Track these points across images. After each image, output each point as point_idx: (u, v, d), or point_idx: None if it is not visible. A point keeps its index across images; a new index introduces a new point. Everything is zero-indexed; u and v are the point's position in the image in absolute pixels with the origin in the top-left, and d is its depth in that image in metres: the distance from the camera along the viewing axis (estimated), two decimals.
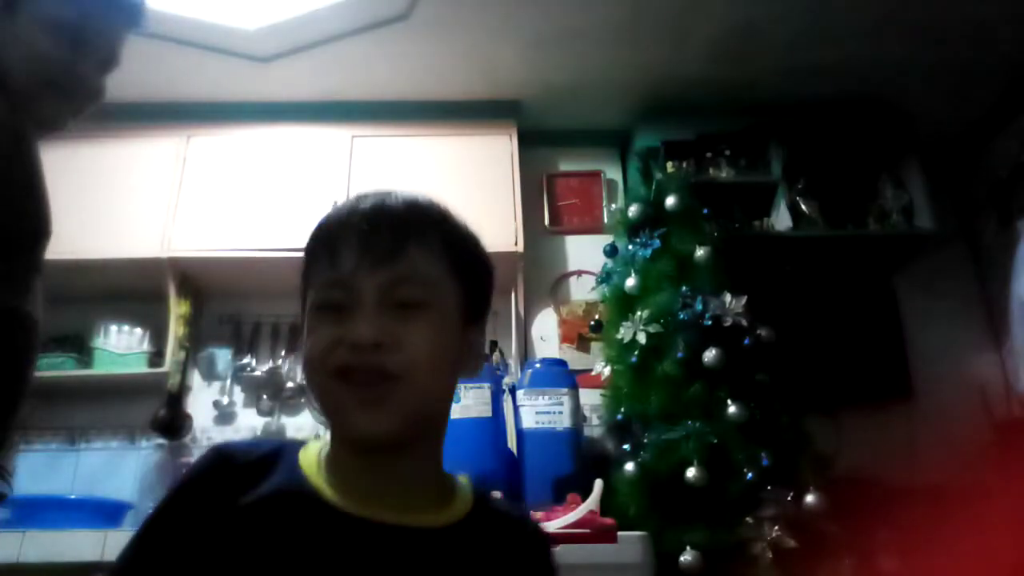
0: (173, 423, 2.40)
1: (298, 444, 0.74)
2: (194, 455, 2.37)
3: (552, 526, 1.69)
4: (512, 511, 0.80)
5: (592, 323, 2.54)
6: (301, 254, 0.75)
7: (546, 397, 2.15)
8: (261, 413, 2.53)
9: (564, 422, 2.13)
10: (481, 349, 0.79)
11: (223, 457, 0.70)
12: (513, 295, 2.56)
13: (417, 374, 0.67)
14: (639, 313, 2.10)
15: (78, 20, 1.24)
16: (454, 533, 0.70)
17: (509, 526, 0.77)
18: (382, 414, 0.66)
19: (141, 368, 2.41)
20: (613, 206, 2.75)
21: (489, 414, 2.09)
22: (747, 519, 1.77)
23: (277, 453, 0.71)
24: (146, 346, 2.45)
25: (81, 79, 1.32)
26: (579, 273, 2.74)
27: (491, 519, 0.75)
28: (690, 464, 1.83)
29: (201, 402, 2.52)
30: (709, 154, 2.63)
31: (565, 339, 2.65)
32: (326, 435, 0.73)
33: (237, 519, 0.64)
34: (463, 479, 0.78)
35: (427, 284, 0.70)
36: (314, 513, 0.66)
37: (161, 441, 2.42)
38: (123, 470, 2.42)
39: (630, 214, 2.30)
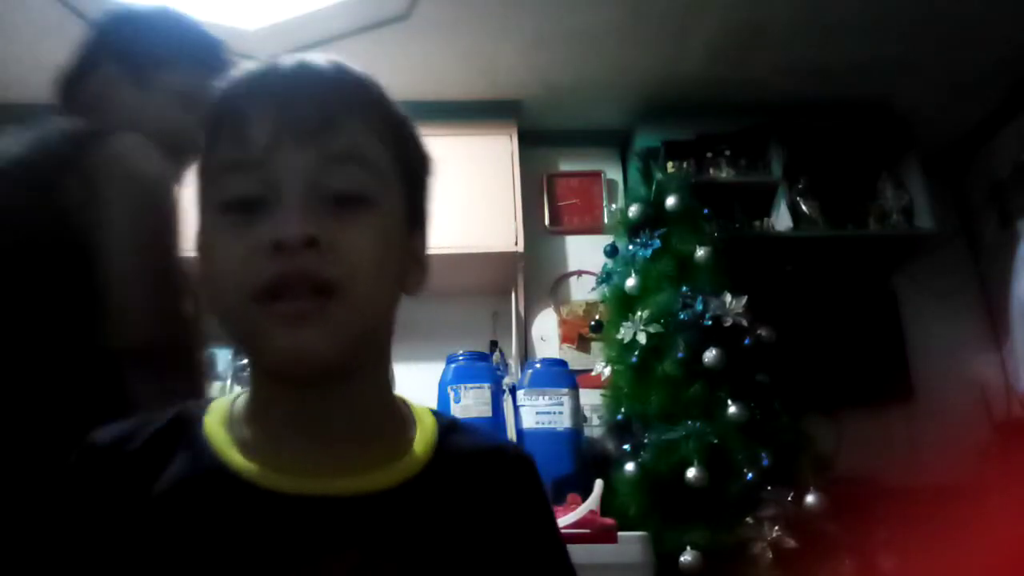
0: None
1: (199, 409, 0.58)
2: None
3: None
4: (485, 440, 0.65)
5: (592, 323, 2.54)
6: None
7: (546, 397, 2.15)
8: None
9: (564, 422, 2.13)
10: (426, 260, 0.64)
11: (96, 448, 0.55)
12: (513, 295, 2.56)
13: (359, 286, 0.51)
14: (639, 313, 2.10)
15: (202, 90, 1.25)
16: (414, 491, 0.56)
17: (484, 460, 0.62)
18: (316, 333, 0.50)
19: None
20: (613, 206, 2.75)
21: (489, 414, 2.09)
22: (747, 519, 1.77)
23: (172, 428, 0.56)
24: None
25: (195, 140, 1.35)
26: (579, 273, 2.74)
27: (461, 457, 0.60)
28: (690, 464, 1.83)
29: None
30: (709, 154, 2.63)
31: (565, 339, 2.65)
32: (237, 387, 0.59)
33: (139, 520, 0.52)
34: (422, 409, 0.63)
35: (372, 170, 0.55)
36: (230, 500, 0.52)
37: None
38: None
39: (630, 214, 2.30)
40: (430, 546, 0.54)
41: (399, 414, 0.62)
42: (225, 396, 0.60)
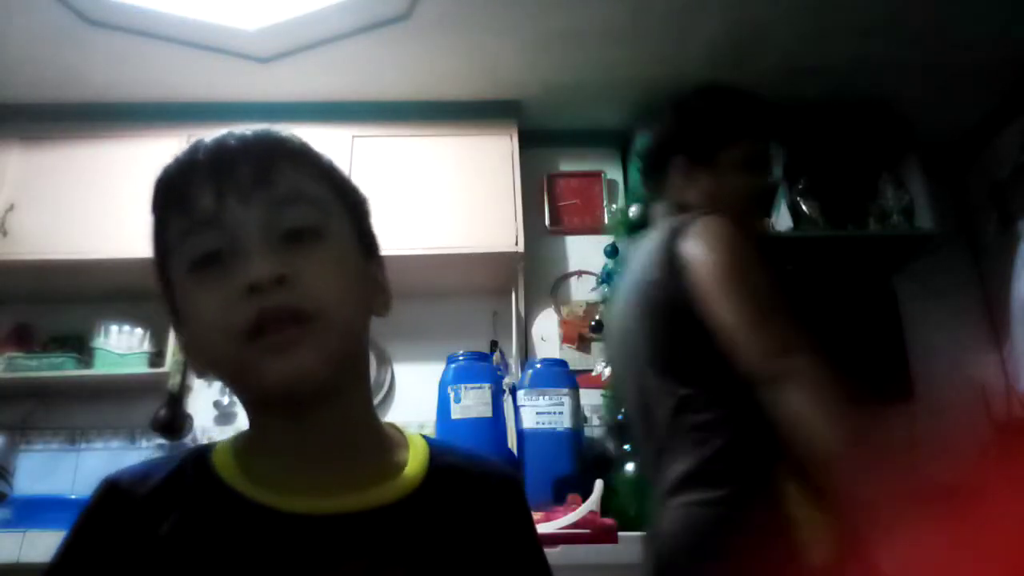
0: (173, 423, 2.40)
1: (205, 448, 0.64)
2: None
3: (552, 527, 1.69)
4: (474, 462, 0.69)
5: (593, 323, 2.54)
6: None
7: (546, 397, 2.15)
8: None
9: (564, 422, 2.13)
10: (387, 284, 0.69)
11: (116, 490, 0.59)
12: (513, 295, 2.56)
13: (330, 310, 0.57)
14: None
15: (764, 150, 1.48)
16: (411, 506, 0.60)
17: (473, 481, 0.66)
18: (304, 356, 0.55)
19: (141, 368, 2.41)
20: (614, 206, 2.75)
21: (489, 414, 2.09)
22: None
23: (184, 466, 0.61)
24: (147, 346, 2.45)
25: (765, 194, 1.75)
26: (580, 273, 2.74)
27: (452, 477, 0.65)
28: None
29: (201, 402, 2.52)
30: None
31: (566, 339, 2.65)
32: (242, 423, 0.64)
33: (158, 552, 0.55)
34: (415, 435, 0.68)
35: (315, 204, 0.61)
36: (243, 524, 0.57)
37: (161, 441, 2.42)
38: None
39: (631, 214, 2.30)
40: (430, 554, 0.59)
41: (388, 436, 0.67)
42: (227, 437, 0.65)
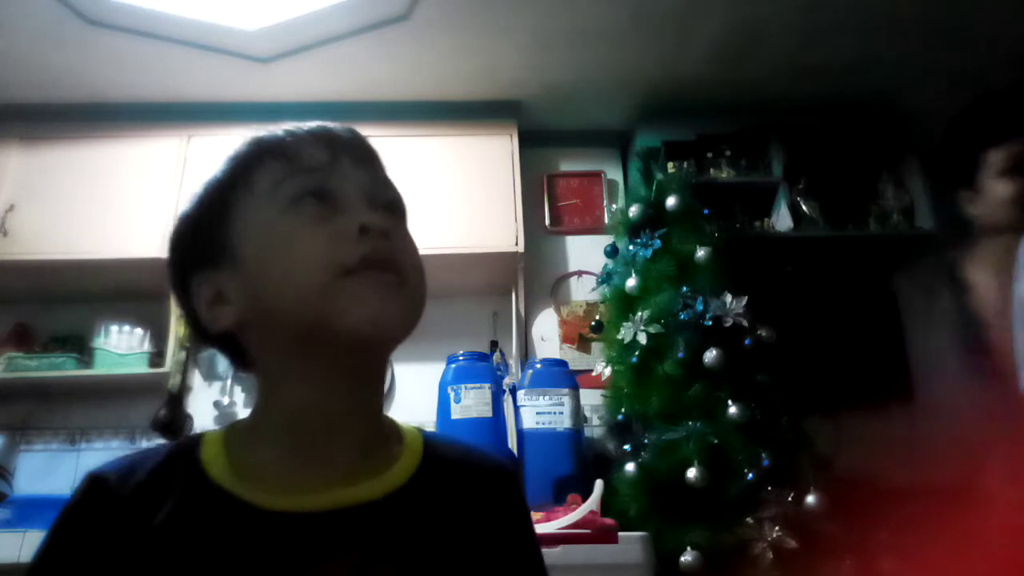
0: (173, 423, 2.40)
1: (194, 441, 0.62)
2: None
3: (553, 526, 1.69)
4: (468, 454, 0.69)
5: (593, 323, 2.54)
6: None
7: (547, 397, 2.15)
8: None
9: (565, 422, 2.13)
10: None
11: (100, 486, 0.58)
12: (514, 295, 2.56)
13: (413, 277, 0.61)
14: (640, 313, 2.10)
15: None
16: (404, 499, 0.60)
17: (466, 472, 0.66)
18: (392, 302, 0.58)
19: (142, 368, 2.40)
20: (614, 206, 2.75)
21: (489, 414, 2.09)
22: (747, 519, 1.77)
23: (170, 461, 0.60)
24: (147, 346, 2.45)
25: None
26: (580, 273, 2.74)
27: (445, 469, 0.65)
28: (690, 464, 1.83)
29: (202, 402, 2.52)
30: (710, 154, 2.63)
31: (566, 339, 2.65)
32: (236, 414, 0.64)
33: (142, 550, 0.54)
34: (409, 427, 0.69)
35: (400, 193, 0.67)
36: (229, 522, 0.56)
37: (161, 441, 2.42)
38: None
39: (631, 214, 2.30)
40: (421, 548, 0.58)
41: (387, 428, 0.67)
42: (216, 428, 0.64)
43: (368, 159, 0.65)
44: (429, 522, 0.60)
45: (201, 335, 0.65)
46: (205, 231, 0.63)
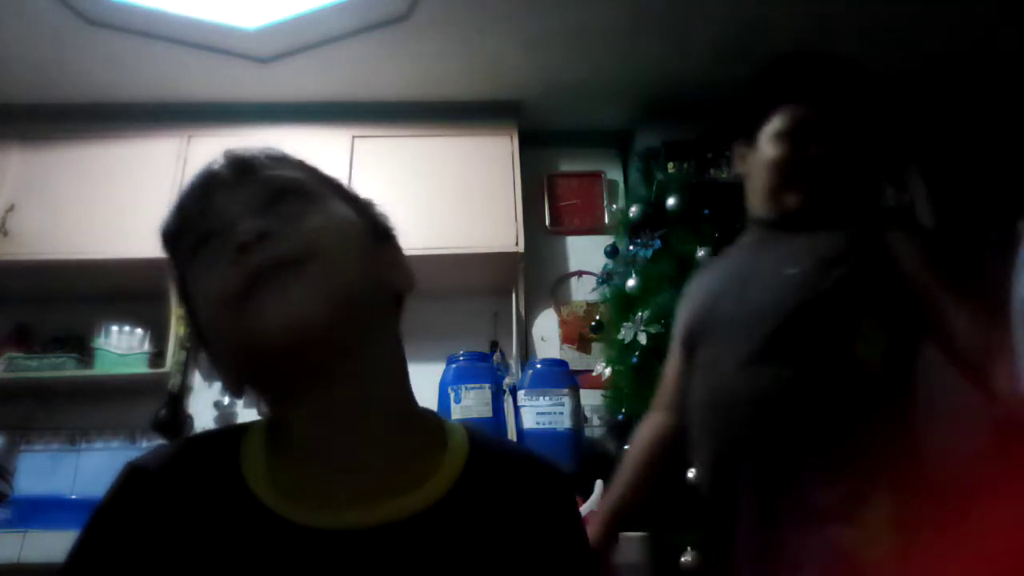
0: (174, 423, 2.40)
1: (239, 432, 0.62)
2: None
3: None
4: (516, 457, 0.66)
5: (593, 323, 2.54)
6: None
7: (547, 397, 2.15)
8: (262, 413, 2.52)
9: (565, 423, 2.13)
10: (407, 264, 0.67)
11: (139, 478, 0.58)
12: (514, 295, 2.56)
13: (322, 252, 0.57)
14: (640, 314, 2.10)
15: None
16: (444, 512, 0.57)
17: (514, 477, 0.63)
18: (294, 295, 0.54)
19: (142, 368, 2.41)
20: (614, 206, 2.75)
21: (489, 414, 2.09)
22: None
23: (212, 458, 0.60)
24: (147, 346, 2.45)
25: None
26: (580, 274, 2.74)
27: (491, 474, 0.61)
28: (690, 464, 1.83)
29: (202, 402, 2.51)
30: (710, 154, 2.62)
31: (566, 339, 2.65)
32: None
33: (173, 550, 0.54)
34: (456, 427, 0.65)
35: (299, 170, 0.64)
36: (265, 534, 0.54)
37: (162, 441, 2.42)
38: None
39: (631, 214, 2.30)
40: (463, 563, 0.56)
41: (424, 423, 0.64)
42: (258, 421, 0.64)
43: (245, 171, 0.62)
44: (472, 537, 0.57)
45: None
46: (179, 286, 0.65)
